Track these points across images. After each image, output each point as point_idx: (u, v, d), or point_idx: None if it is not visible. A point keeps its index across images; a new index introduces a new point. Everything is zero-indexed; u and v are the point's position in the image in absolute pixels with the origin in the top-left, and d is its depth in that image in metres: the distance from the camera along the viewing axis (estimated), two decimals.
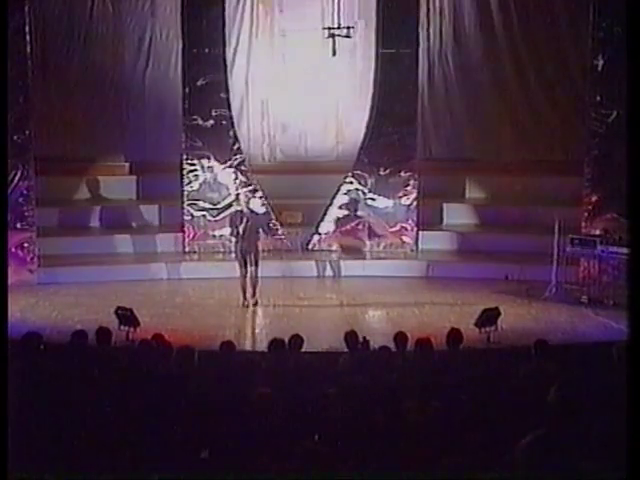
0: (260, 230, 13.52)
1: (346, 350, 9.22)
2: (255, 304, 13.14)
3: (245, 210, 13.49)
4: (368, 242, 15.69)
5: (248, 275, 13.14)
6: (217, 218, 15.43)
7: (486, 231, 16.01)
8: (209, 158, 15.39)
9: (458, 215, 16.40)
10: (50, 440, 5.97)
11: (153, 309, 13.04)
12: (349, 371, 8.31)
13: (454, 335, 9.10)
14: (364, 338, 9.25)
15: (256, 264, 13.16)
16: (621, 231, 13.21)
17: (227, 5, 15.57)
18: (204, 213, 15.49)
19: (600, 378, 7.31)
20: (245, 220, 13.15)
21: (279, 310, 13.13)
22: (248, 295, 13.17)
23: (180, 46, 15.54)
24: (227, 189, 15.44)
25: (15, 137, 13.98)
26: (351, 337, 9.19)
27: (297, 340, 9.05)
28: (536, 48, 17.17)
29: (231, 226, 13.58)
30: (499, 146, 17.41)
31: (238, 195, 14.11)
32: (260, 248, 13.41)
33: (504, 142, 17.41)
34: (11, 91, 13.40)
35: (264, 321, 12.84)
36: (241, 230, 13.08)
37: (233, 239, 13.54)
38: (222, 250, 15.41)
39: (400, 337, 9.08)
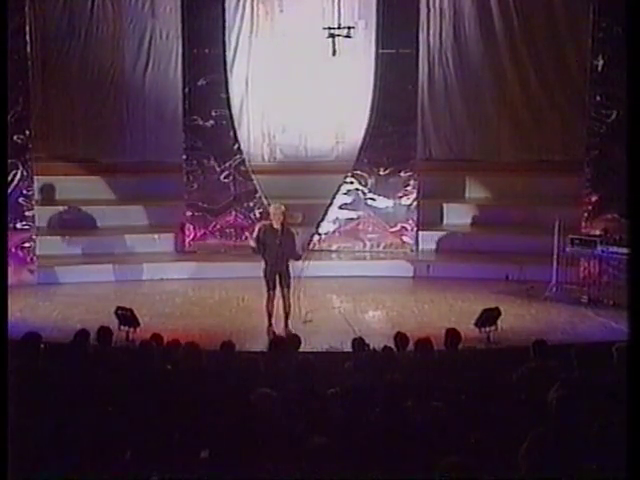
0: (294, 249, 12.00)
1: (346, 350, 9.22)
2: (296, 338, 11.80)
3: (276, 225, 11.93)
4: (368, 242, 15.70)
5: (277, 298, 11.89)
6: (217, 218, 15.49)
7: (486, 231, 16.00)
8: (209, 158, 15.39)
9: (458, 215, 16.39)
10: (50, 440, 5.96)
11: (153, 309, 13.05)
12: (349, 371, 8.32)
13: (452, 335, 9.09)
14: (367, 345, 9.26)
15: (288, 286, 11.87)
16: (621, 231, 13.21)
17: (227, 5, 15.57)
18: (204, 213, 15.49)
19: (600, 378, 7.31)
20: (275, 236, 11.86)
21: (279, 310, 13.09)
22: (274, 320, 11.98)
23: (180, 46, 15.54)
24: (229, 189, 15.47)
25: (15, 137, 13.98)
26: (358, 343, 9.19)
27: (295, 340, 9.06)
28: (536, 48, 17.19)
29: (257, 242, 12.02)
30: (499, 146, 17.44)
31: (267, 207, 12.39)
32: (291, 269, 11.98)
33: (504, 142, 17.43)
34: (11, 91, 13.38)
35: (264, 321, 12.79)
36: (271, 245, 11.79)
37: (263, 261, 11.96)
38: (222, 250, 15.46)
39: (400, 337, 9.09)
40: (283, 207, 12.14)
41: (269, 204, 13.62)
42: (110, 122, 17.18)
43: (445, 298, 13.74)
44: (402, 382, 7.26)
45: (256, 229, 12.32)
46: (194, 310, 13.27)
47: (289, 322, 12.01)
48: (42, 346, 8.69)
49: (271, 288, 11.93)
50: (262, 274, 11.98)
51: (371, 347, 9.16)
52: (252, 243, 12.10)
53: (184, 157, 15.37)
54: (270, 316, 12.01)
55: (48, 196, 16.33)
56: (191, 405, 6.83)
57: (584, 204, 14.36)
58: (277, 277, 11.89)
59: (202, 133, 15.31)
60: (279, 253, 11.85)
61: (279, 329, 11.98)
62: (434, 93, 17.36)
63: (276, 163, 17.43)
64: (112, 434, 6.26)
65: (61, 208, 16.06)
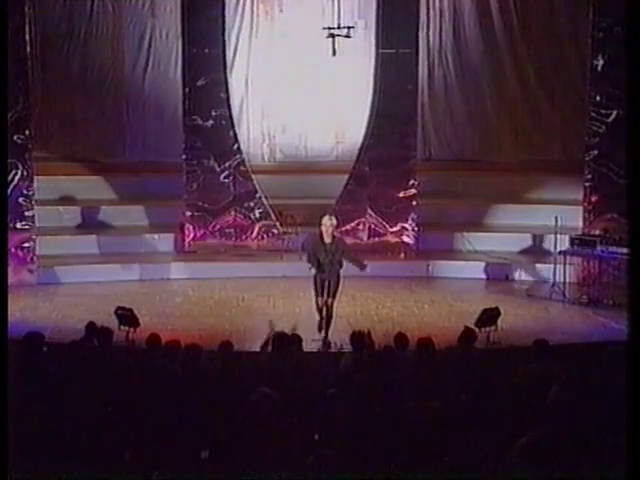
0: (355, 259, 11.92)
1: (346, 350, 9.21)
2: (328, 346, 11.51)
3: (327, 239, 11.63)
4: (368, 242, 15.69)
5: (323, 305, 11.68)
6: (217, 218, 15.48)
7: (486, 231, 15.99)
8: (209, 158, 15.39)
9: (458, 215, 16.39)
10: (50, 440, 5.96)
11: (153, 309, 13.05)
12: (349, 371, 8.32)
13: (467, 334, 9.09)
14: (369, 332, 9.23)
15: (334, 295, 11.68)
16: (621, 231, 13.21)
17: (227, 5, 15.57)
18: (204, 213, 15.49)
19: (600, 378, 7.31)
20: (326, 250, 11.59)
21: (279, 310, 13.12)
22: (319, 329, 11.69)
23: (180, 46, 15.54)
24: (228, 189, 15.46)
25: (15, 137, 13.98)
26: (357, 337, 9.17)
27: (295, 339, 9.04)
28: (536, 48, 17.20)
29: (308, 255, 11.79)
30: (499, 146, 17.44)
31: (321, 221, 11.80)
32: (341, 277, 11.75)
33: (504, 142, 17.43)
34: (11, 91, 13.38)
35: (264, 321, 12.80)
36: (322, 260, 11.53)
37: (312, 270, 11.63)
38: (222, 250, 15.46)
39: (400, 337, 9.08)
40: (334, 220, 11.86)
41: (322, 216, 11.97)
42: (110, 122, 17.19)
43: (445, 298, 13.74)
44: (402, 382, 7.26)
45: (307, 247, 12.03)
46: (194, 310, 13.27)
47: (330, 330, 11.72)
48: (44, 348, 8.68)
49: (319, 295, 11.71)
50: (312, 281, 11.74)
51: (371, 340, 9.17)
52: (306, 262, 11.78)
53: (184, 157, 15.36)
54: (321, 312, 11.75)
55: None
56: (191, 405, 6.82)
57: (584, 204, 14.37)
58: (326, 284, 11.65)
59: (202, 133, 15.31)
60: (329, 266, 11.64)
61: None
62: (434, 93, 17.37)
63: (276, 163, 17.45)
64: (112, 434, 6.26)
65: (61, 208, 16.07)
